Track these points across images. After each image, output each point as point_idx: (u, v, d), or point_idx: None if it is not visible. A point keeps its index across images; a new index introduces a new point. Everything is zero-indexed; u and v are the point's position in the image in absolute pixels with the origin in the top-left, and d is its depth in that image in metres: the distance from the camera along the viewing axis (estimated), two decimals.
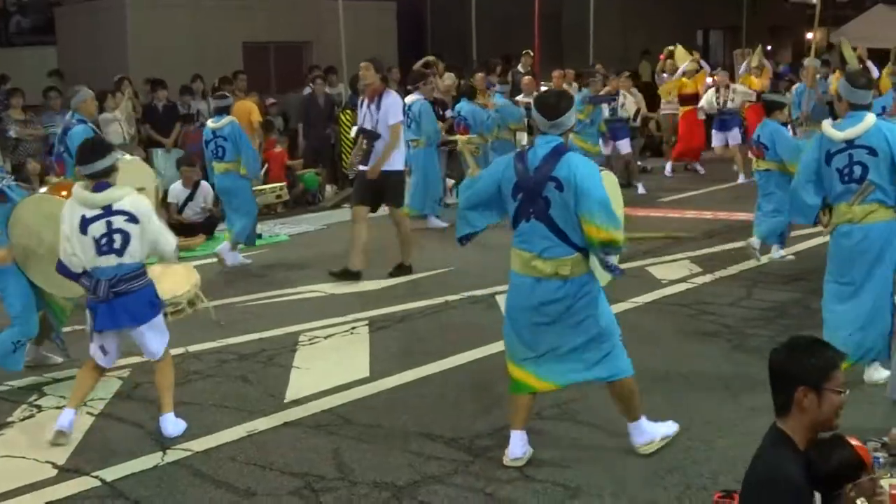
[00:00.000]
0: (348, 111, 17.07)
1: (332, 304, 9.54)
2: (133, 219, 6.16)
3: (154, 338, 6.40)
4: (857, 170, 6.71)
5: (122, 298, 6.21)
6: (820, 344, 3.88)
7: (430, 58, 18.04)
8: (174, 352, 7.89)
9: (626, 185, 16.52)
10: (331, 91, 17.61)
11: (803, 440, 3.76)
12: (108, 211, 6.13)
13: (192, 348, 8.10)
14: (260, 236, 13.31)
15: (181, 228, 13.07)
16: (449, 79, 16.08)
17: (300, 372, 7.56)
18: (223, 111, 11.83)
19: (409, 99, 13.53)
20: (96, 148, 6.37)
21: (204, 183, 13.19)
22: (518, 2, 21.37)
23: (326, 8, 18.81)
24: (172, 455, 6.01)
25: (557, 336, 5.64)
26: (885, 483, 5.06)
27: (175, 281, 7.07)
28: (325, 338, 8.46)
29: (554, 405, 6.59)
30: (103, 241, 6.14)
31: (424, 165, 13.73)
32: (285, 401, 6.91)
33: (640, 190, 16.25)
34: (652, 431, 5.88)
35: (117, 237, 6.14)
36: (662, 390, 6.86)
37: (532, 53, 19.12)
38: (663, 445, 5.87)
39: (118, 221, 6.14)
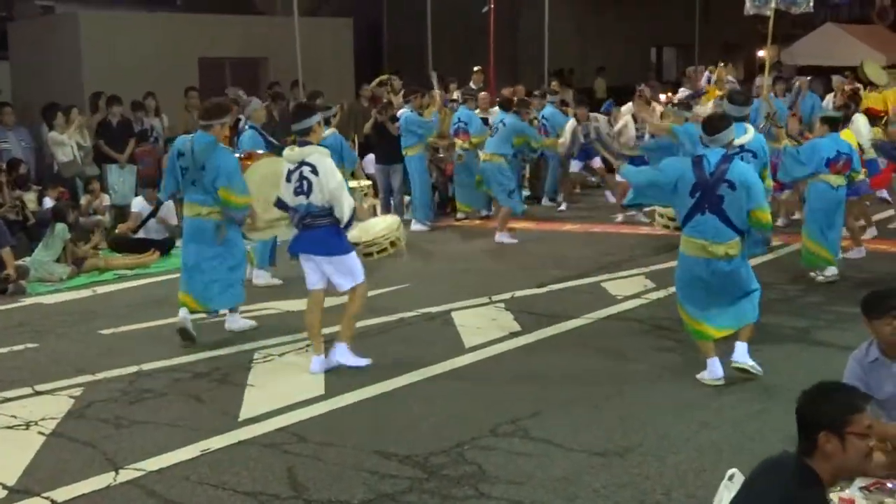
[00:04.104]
0: None
1: (286, 322, 9.50)
2: (314, 170, 7.73)
3: (336, 273, 7.90)
4: None
5: (310, 231, 7.82)
6: (842, 389, 3.86)
7: (384, 76, 18.09)
8: (127, 370, 7.92)
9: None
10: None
11: (830, 481, 3.74)
12: (301, 163, 7.78)
13: (146, 367, 8.03)
14: None
15: (136, 244, 13.05)
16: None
17: (254, 390, 7.52)
18: (325, 122, 12.32)
19: (400, 112, 15.03)
20: (299, 111, 8.22)
21: (168, 203, 13.14)
22: (474, 18, 21.46)
23: (283, 23, 18.76)
24: (125, 475, 5.95)
25: (724, 297, 7.32)
26: (834, 497, 5.14)
27: (382, 227, 9.09)
28: (280, 355, 8.43)
29: (508, 422, 6.62)
30: (297, 185, 7.80)
31: (411, 171, 14.81)
32: (239, 419, 6.88)
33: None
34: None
35: (305, 183, 7.76)
36: (615, 405, 6.92)
37: (483, 70, 19.17)
38: (614, 462, 5.95)
39: (305, 171, 7.76)
